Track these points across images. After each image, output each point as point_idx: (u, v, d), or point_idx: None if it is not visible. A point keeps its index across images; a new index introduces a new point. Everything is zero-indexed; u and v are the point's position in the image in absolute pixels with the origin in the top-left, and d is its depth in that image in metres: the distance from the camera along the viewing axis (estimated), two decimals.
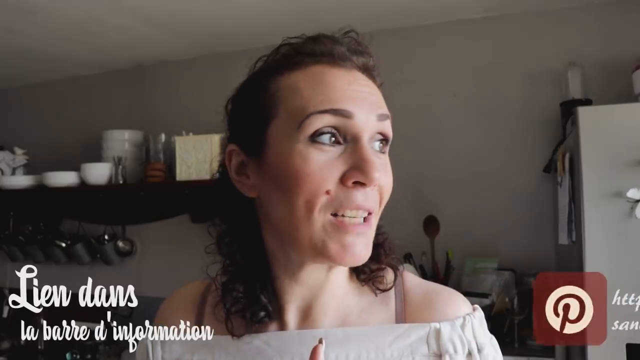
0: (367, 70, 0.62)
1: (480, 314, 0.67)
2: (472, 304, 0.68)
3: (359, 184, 0.56)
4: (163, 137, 2.61)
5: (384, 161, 0.61)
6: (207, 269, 0.66)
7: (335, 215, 0.57)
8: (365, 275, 0.66)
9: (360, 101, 0.58)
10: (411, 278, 0.70)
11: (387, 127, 0.61)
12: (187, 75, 2.88)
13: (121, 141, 2.71)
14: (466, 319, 0.64)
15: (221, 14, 2.31)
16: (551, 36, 2.23)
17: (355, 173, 0.56)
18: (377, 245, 0.65)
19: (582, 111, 1.61)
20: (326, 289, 0.64)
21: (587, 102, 1.97)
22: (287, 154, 0.57)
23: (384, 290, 0.66)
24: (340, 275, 0.66)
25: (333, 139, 0.57)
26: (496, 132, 2.29)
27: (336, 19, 2.31)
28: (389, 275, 0.67)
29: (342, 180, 0.56)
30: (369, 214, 0.58)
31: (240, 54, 2.61)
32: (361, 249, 0.58)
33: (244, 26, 2.43)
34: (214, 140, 2.41)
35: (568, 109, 1.90)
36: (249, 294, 0.63)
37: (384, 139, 0.61)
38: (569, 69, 2.04)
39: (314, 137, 0.56)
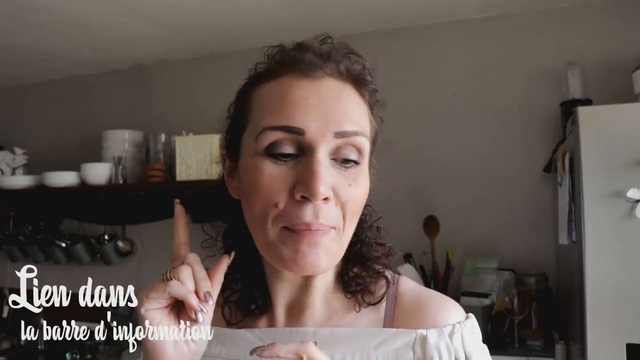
0: (346, 78, 0.61)
1: (472, 322, 0.65)
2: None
3: (306, 198, 0.55)
4: (163, 137, 2.61)
5: (352, 175, 0.59)
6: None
7: (287, 228, 0.57)
8: (351, 287, 0.66)
9: (315, 117, 0.57)
10: (406, 282, 0.69)
11: (350, 143, 0.58)
12: (187, 75, 2.88)
13: (121, 141, 2.71)
14: (455, 327, 0.63)
15: (221, 14, 2.31)
16: (551, 36, 2.23)
17: (301, 187, 0.55)
18: (362, 252, 0.67)
19: (582, 111, 1.61)
20: (311, 289, 0.66)
21: (587, 102, 1.97)
22: (248, 164, 0.60)
23: (370, 304, 0.66)
24: (325, 276, 0.66)
25: (288, 152, 0.57)
26: (496, 132, 2.29)
27: (336, 20, 2.32)
28: (380, 285, 0.67)
29: (292, 193, 0.56)
30: (332, 228, 0.58)
31: (240, 54, 2.61)
32: (314, 259, 0.57)
33: (244, 26, 2.43)
34: (214, 140, 2.41)
35: (568, 109, 1.90)
36: (245, 287, 0.67)
37: (351, 154, 0.59)
38: (569, 68, 2.04)
39: (269, 151, 0.57)
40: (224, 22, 2.42)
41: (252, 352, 0.54)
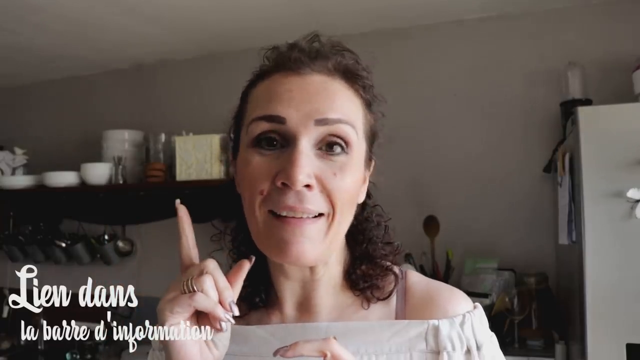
0: (335, 74, 0.62)
1: (480, 311, 0.67)
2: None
3: (287, 185, 0.57)
4: (163, 137, 2.61)
5: (338, 165, 0.59)
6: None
7: (273, 212, 0.58)
8: (359, 285, 0.67)
9: (297, 107, 0.58)
10: (414, 276, 0.71)
11: (333, 131, 0.59)
12: (187, 75, 2.88)
13: (121, 141, 2.71)
14: (466, 316, 0.65)
15: (221, 14, 2.31)
16: (551, 36, 2.23)
17: (282, 175, 0.57)
18: (369, 250, 0.68)
19: (582, 111, 1.61)
20: (317, 285, 0.67)
21: (587, 102, 1.97)
22: (240, 158, 0.63)
23: (380, 299, 0.67)
24: (329, 272, 0.67)
25: (273, 142, 0.59)
26: (496, 132, 2.29)
27: (336, 20, 2.32)
28: (388, 280, 0.68)
29: (274, 181, 0.58)
30: (319, 215, 0.58)
31: (240, 54, 2.61)
32: (299, 249, 0.57)
33: (244, 26, 2.43)
34: (214, 140, 2.41)
35: (568, 109, 1.90)
36: (250, 280, 0.67)
37: (336, 143, 0.59)
38: (569, 69, 2.04)
39: (255, 142, 0.60)
40: (224, 22, 2.42)
41: (275, 353, 0.54)
